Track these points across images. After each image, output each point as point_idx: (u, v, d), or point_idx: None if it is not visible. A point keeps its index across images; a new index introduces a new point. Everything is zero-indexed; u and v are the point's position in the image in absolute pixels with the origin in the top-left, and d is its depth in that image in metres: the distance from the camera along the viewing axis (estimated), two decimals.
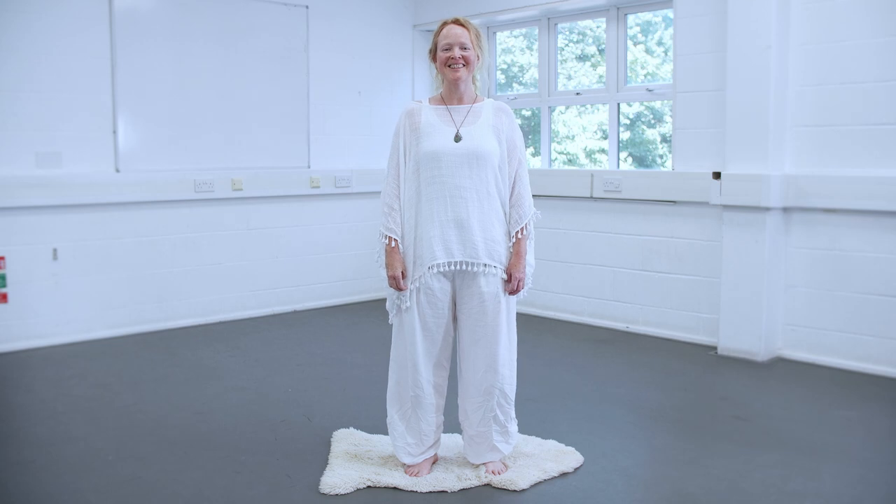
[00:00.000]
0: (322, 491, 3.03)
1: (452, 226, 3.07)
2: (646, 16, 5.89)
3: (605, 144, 6.10)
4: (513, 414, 3.25)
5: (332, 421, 3.76)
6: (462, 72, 3.10)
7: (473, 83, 3.21)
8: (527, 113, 6.71)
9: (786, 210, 4.86)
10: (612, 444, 3.54)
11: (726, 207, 4.96)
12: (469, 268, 3.08)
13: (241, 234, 6.11)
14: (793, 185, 4.79)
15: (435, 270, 3.07)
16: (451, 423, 3.44)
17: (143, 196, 5.57)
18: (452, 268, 3.08)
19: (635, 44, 5.97)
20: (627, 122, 6.10)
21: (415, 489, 3.06)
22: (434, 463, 3.26)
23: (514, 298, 3.20)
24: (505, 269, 3.12)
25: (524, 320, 6.01)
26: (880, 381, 4.44)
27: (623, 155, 6.05)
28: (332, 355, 5.08)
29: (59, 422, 3.83)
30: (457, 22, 3.15)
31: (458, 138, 3.10)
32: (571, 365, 4.85)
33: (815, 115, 4.75)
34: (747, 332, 4.90)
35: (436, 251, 3.07)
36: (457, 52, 3.08)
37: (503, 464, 3.22)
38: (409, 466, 3.20)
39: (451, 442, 3.44)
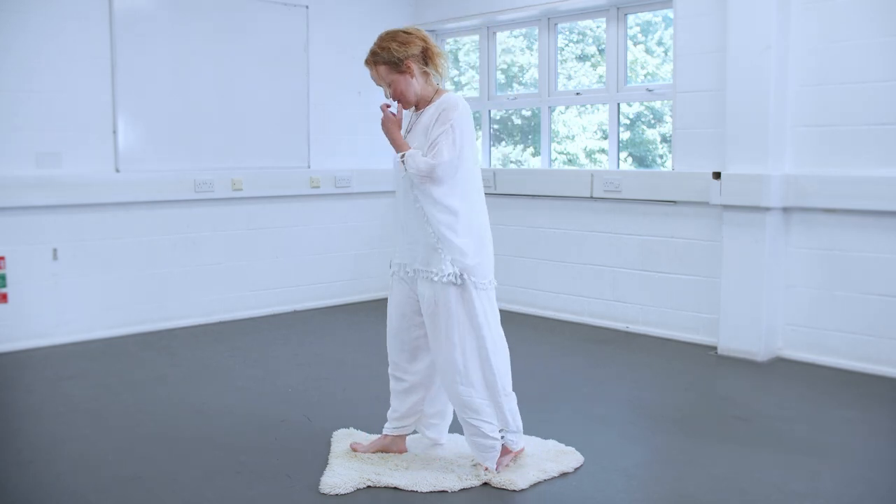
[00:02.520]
0: (322, 491, 3.03)
1: (400, 230, 3.21)
2: (646, 16, 5.89)
3: (605, 144, 6.10)
4: (486, 430, 3.11)
5: (332, 421, 3.76)
6: (403, 102, 3.17)
7: (428, 80, 3.14)
8: (527, 113, 6.71)
9: (786, 210, 4.86)
10: (612, 444, 3.54)
11: (726, 207, 4.96)
12: (402, 270, 3.20)
13: (241, 234, 6.11)
14: (793, 185, 4.79)
15: (390, 266, 3.27)
16: (452, 424, 3.44)
17: (143, 196, 5.57)
18: (395, 268, 3.24)
19: (635, 44, 5.97)
20: (627, 122, 6.10)
21: (415, 489, 3.06)
22: (386, 451, 3.32)
23: (459, 307, 3.04)
24: (437, 272, 3.04)
25: (525, 320, 6.03)
26: (880, 381, 4.44)
27: (623, 155, 6.05)
28: (332, 355, 5.08)
29: (59, 422, 3.83)
30: (366, 62, 3.16)
31: None
32: (571, 365, 4.85)
33: (815, 115, 4.75)
34: (747, 332, 4.90)
35: (395, 250, 3.27)
36: (386, 93, 3.19)
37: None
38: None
39: (450, 442, 3.44)
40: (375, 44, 3.13)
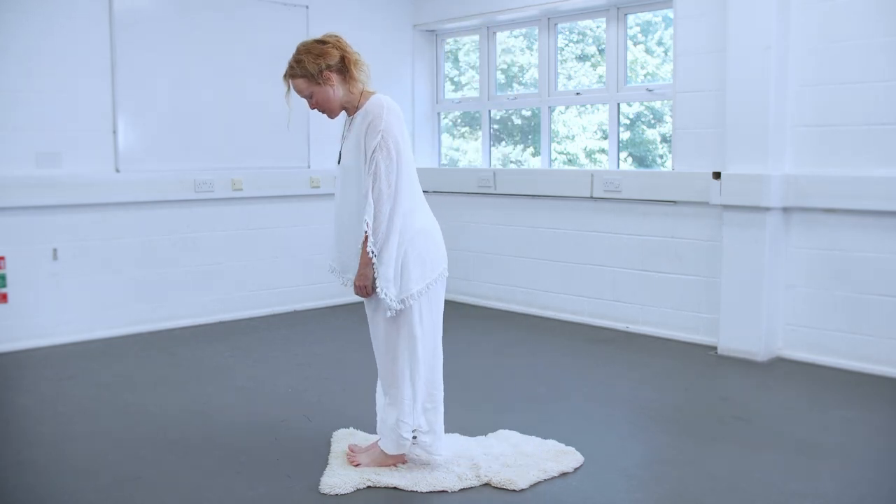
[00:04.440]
0: (322, 491, 3.03)
1: (335, 238, 3.19)
2: (646, 16, 5.89)
3: (605, 144, 6.10)
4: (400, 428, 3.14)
5: (332, 421, 3.76)
6: (327, 113, 3.15)
7: (352, 86, 3.09)
8: (527, 113, 6.71)
9: (786, 210, 4.86)
10: (612, 444, 3.54)
11: (726, 207, 4.96)
12: (340, 278, 3.19)
13: (241, 234, 6.11)
14: (793, 185, 4.79)
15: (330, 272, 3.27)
16: (451, 424, 3.44)
17: (143, 196, 5.57)
18: (333, 274, 3.23)
19: (635, 44, 5.97)
20: (627, 122, 6.10)
21: (415, 489, 3.06)
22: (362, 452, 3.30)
23: (398, 317, 3.06)
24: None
25: (525, 320, 6.03)
26: (880, 381, 4.44)
27: (623, 155, 6.05)
28: (332, 355, 5.08)
29: (59, 422, 3.83)
30: (283, 76, 3.11)
31: (339, 159, 3.21)
32: (571, 365, 4.85)
33: (815, 115, 4.75)
34: (747, 332, 4.90)
35: (332, 257, 3.23)
36: (309, 105, 3.15)
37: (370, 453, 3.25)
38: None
39: (450, 441, 3.43)
40: (292, 56, 3.09)
